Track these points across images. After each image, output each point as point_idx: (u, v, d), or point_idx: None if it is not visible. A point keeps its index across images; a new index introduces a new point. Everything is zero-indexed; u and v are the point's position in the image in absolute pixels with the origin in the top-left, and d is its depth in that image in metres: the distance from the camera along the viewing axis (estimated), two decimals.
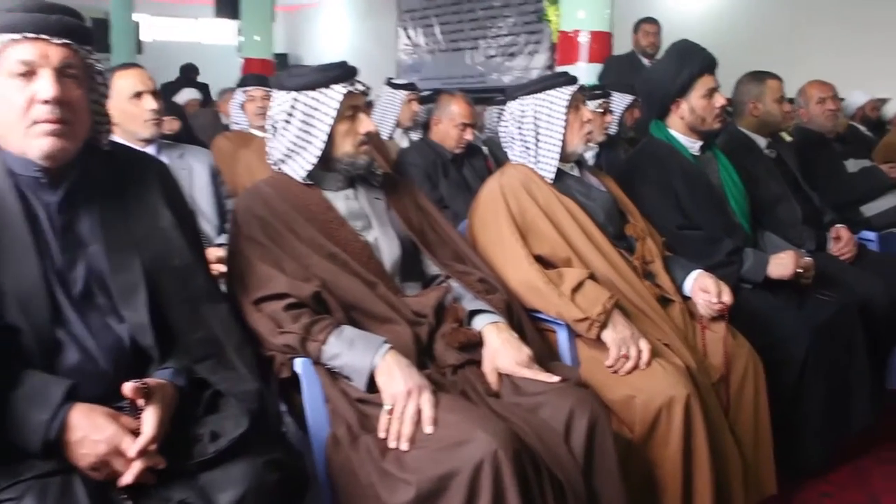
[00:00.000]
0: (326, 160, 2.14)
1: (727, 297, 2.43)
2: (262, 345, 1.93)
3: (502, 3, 11.14)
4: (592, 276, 2.34)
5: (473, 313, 2.13)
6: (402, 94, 4.40)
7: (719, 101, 2.87)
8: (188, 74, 10.22)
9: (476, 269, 2.25)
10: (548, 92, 2.51)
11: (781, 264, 2.76)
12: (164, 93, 7.56)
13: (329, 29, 14.32)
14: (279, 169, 2.19)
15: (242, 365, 1.68)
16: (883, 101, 5.61)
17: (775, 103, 3.34)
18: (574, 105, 2.51)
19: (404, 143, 4.42)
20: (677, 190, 2.83)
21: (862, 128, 4.96)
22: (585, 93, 2.63)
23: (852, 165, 3.88)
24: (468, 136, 3.76)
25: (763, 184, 3.25)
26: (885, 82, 6.31)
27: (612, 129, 4.36)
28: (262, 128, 3.96)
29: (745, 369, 2.43)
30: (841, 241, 3.29)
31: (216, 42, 14.36)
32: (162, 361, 1.61)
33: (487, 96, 7.11)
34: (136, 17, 12.17)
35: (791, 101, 4.33)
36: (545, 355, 2.19)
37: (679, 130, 2.94)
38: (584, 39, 5.00)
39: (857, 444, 2.93)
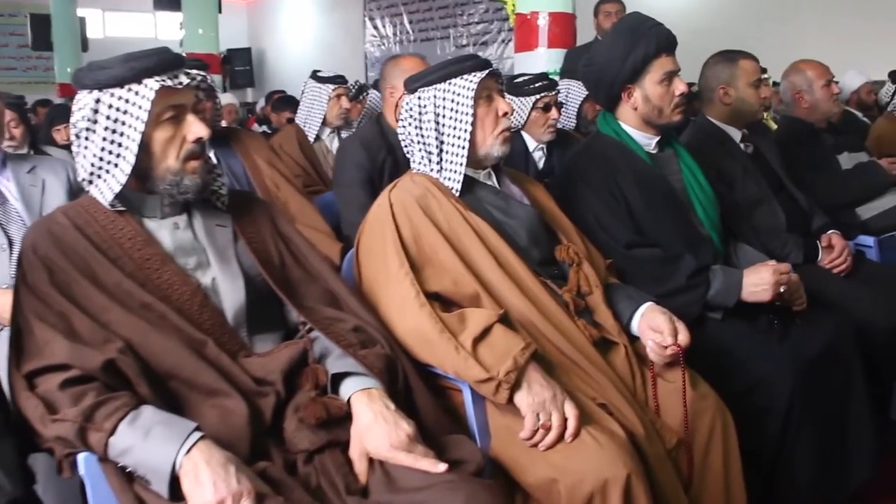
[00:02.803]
0: (145, 179, 1.65)
1: (683, 338, 1.90)
2: (36, 434, 1.42)
3: None
4: (505, 318, 1.80)
5: (340, 376, 1.62)
6: (329, 88, 3.83)
7: (679, 87, 2.34)
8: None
9: (352, 314, 1.73)
10: (450, 81, 2.00)
11: (757, 283, 2.21)
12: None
13: (294, 21, 13.98)
14: (88, 192, 1.68)
15: None
16: (880, 84, 5.04)
17: (750, 88, 2.82)
18: (485, 95, 1.99)
19: (334, 145, 3.86)
20: (628, 198, 2.31)
21: (858, 114, 4.41)
22: (501, 80, 2.10)
23: (846, 160, 3.32)
24: None
25: (739, 185, 2.73)
26: (877, 64, 5.73)
27: (569, 124, 3.80)
28: None
29: (710, 428, 1.90)
30: (834, 251, 2.74)
31: (168, 37, 13.73)
32: None
33: None
34: (81, 12, 11.60)
35: (776, 84, 3.80)
36: (444, 426, 1.68)
37: (631, 124, 2.41)
38: (543, 22, 4.48)
39: (852, 499, 2.37)
